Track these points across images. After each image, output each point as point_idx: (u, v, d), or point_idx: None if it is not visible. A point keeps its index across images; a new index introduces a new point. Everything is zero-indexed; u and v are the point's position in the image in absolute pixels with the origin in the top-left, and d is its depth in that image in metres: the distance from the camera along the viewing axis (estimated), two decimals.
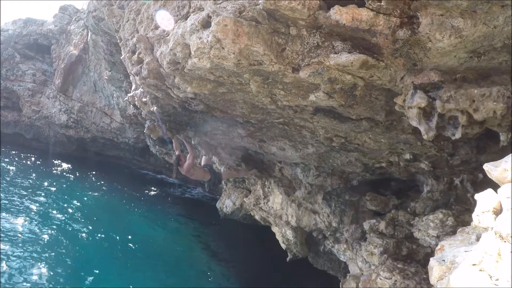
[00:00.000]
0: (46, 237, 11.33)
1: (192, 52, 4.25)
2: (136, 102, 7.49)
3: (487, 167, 2.59)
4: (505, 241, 2.05)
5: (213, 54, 4.01)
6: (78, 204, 15.05)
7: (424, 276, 5.32)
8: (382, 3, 3.10)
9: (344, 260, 7.89)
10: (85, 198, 15.97)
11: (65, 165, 21.19)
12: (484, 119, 3.30)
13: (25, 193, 15.24)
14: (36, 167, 20.25)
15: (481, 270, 2.07)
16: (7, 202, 13.69)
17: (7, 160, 20.54)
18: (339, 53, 3.60)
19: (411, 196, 7.00)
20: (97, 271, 9.84)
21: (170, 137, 7.75)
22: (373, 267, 6.30)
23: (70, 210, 14.07)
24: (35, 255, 10.06)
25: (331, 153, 6.61)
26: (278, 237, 9.25)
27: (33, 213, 13.17)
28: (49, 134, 23.24)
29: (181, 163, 7.48)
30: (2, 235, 10.72)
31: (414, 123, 3.80)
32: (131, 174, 21.80)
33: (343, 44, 3.59)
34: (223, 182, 11.76)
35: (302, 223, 8.42)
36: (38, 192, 15.73)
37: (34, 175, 18.39)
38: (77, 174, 19.75)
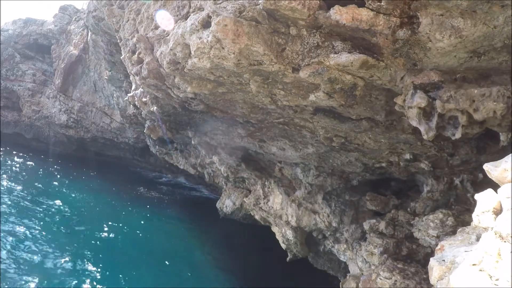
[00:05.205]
0: (45, 236, 11.33)
1: (192, 52, 4.26)
2: (136, 102, 7.50)
3: (487, 167, 2.59)
4: (505, 241, 2.05)
5: (213, 54, 4.02)
6: (78, 204, 15.07)
7: (424, 276, 5.32)
8: (382, 3, 3.10)
9: (344, 260, 7.89)
10: (85, 198, 15.97)
11: (65, 165, 21.18)
12: (484, 119, 3.30)
13: (25, 193, 15.24)
14: (36, 167, 20.25)
15: (481, 270, 2.07)
16: (7, 201, 13.70)
17: (7, 160, 20.55)
18: (339, 53, 3.61)
19: (411, 196, 7.00)
20: (96, 270, 9.84)
21: (170, 137, 7.76)
22: (373, 267, 6.31)
23: (69, 210, 14.07)
24: (34, 254, 10.07)
25: (331, 153, 6.61)
26: (278, 237, 9.25)
27: (32, 212, 13.17)
28: (49, 134, 23.25)
29: None
30: (2, 234, 10.72)
31: (414, 123, 3.81)
32: (131, 174, 21.81)
33: (343, 44, 3.60)
34: (223, 182, 11.76)
35: (302, 223, 8.42)
36: (38, 192, 15.73)
37: (34, 175, 18.39)
38: (77, 174, 19.76)
